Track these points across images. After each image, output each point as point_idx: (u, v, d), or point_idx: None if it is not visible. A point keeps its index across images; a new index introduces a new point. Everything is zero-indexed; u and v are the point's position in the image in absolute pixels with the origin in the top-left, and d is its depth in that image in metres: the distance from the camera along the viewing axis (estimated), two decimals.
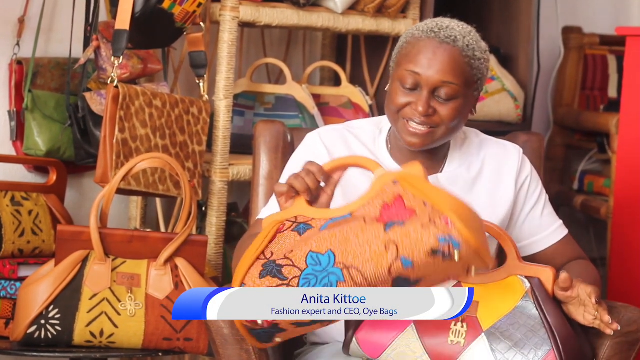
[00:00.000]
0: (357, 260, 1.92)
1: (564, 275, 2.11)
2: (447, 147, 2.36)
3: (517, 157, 2.39)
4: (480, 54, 2.24)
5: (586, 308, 2.13)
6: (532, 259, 2.38)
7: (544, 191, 2.43)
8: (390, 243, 1.90)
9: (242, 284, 1.97)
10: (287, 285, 1.95)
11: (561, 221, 2.44)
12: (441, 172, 2.35)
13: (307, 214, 2.04)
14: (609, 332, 2.12)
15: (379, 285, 1.92)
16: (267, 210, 2.33)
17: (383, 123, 2.38)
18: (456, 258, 1.87)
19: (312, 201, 2.05)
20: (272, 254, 2.00)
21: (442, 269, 1.90)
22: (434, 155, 2.34)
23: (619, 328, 2.12)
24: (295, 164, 2.35)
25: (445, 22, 2.26)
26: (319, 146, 2.33)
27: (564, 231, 2.43)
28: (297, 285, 1.94)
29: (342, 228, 1.97)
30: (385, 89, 2.30)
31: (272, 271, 1.96)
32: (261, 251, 2.00)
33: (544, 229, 2.40)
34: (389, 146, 2.36)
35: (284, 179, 2.35)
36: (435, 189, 1.94)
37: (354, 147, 2.35)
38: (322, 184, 2.06)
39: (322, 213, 2.03)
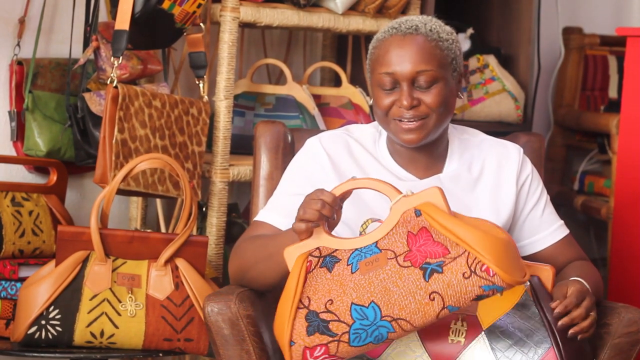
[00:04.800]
0: (404, 311, 1.98)
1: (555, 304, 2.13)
2: (446, 147, 2.36)
3: (517, 156, 2.38)
4: (447, 35, 2.25)
5: None
6: (532, 258, 2.38)
7: (545, 191, 2.42)
8: (435, 294, 1.97)
9: (291, 342, 2.02)
10: (339, 341, 2.00)
11: (562, 221, 2.43)
12: (442, 172, 2.35)
13: (329, 244, 2.06)
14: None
15: (426, 325, 2.00)
16: (266, 212, 2.33)
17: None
18: (499, 295, 1.99)
19: (324, 225, 2.09)
20: (310, 300, 2.03)
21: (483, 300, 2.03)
22: (433, 155, 2.34)
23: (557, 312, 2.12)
24: (296, 170, 2.34)
25: (404, 17, 2.30)
26: (320, 152, 2.33)
27: (565, 231, 2.43)
28: (349, 340, 2.00)
29: (377, 274, 2.00)
30: (370, 102, 2.31)
31: (320, 327, 2.01)
32: (299, 299, 2.03)
33: (545, 228, 2.40)
34: (389, 148, 2.36)
35: (284, 183, 2.34)
36: (462, 224, 1.98)
37: (356, 152, 2.35)
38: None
39: (345, 243, 2.06)
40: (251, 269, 2.24)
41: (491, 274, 1.94)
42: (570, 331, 2.09)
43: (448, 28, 2.28)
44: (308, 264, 2.06)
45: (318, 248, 2.06)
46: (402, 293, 1.98)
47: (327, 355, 2.02)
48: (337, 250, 2.05)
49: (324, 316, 2.02)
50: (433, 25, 2.25)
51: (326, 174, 2.31)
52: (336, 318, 2.01)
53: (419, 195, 2.02)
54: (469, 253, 1.96)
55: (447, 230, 1.98)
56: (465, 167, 2.36)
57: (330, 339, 2.01)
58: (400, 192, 2.04)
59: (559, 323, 2.08)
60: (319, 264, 2.06)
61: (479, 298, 1.96)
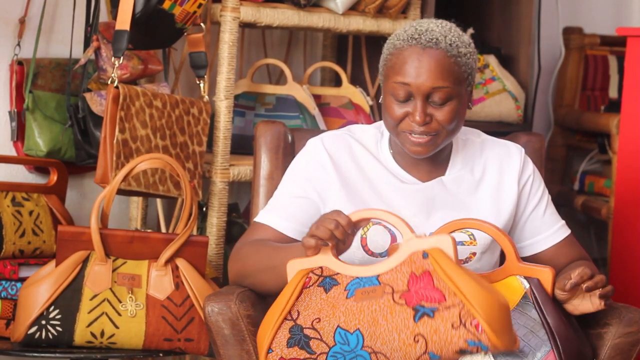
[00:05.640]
0: (386, 347, 1.98)
1: (569, 283, 2.13)
2: (450, 150, 2.36)
3: (519, 157, 2.38)
4: (465, 49, 2.22)
5: (591, 294, 2.15)
6: (533, 259, 2.37)
7: (547, 191, 2.42)
8: (420, 337, 1.96)
9: (269, 349, 2.04)
10: (315, 359, 2.02)
11: (563, 221, 2.43)
12: (445, 175, 2.34)
13: (333, 267, 2.07)
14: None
15: None
16: (267, 213, 2.32)
17: (384, 127, 2.38)
18: (482, 357, 1.97)
19: (335, 246, 2.09)
20: (299, 314, 2.05)
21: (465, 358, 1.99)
22: (436, 158, 2.33)
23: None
24: (298, 171, 2.34)
25: (423, 24, 2.24)
26: (322, 153, 2.32)
27: (567, 231, 2.42)
28: None
29: (370, 304, 2.01)
30: (380, 100, 2.30)
31: (300, 342, 2.03)
32: (288, 311, 2.05)
33: (546, 228, 2.40)
34: (392, 150, 2.35)
35: (286, 184, 2.34)
36: (465, 276, 1.97)
37: (358, 153, 2.34)
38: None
39: (348, 269, 2.06)
40: (252, 275, 2.24)
41: (479, 331, 1.93)
42: (601, 291, 2.11)
43: (466, 39, 2.24)
44: (307, 279, 2.07)
45: (321, 267, 2.07)
46: (389, 328, 1.98)
47: None
48: (338, 274, 2.06)
49: (307, 332, 2.03)
50: (453, 37, 2.21)
51: (328, 175, 2.30)
52: (319, 337, 2.02)
53: (431, 239, 2.02)
54: (463, 305, 1.95)
55: (449, 278, 1.97)
56: (467, 169, 2.36)
57: (308, 355, 2.02)
58: (413, 232, 2.04)
59: (584, 286, 2.10)
60: (318, 282, 2.07)
61: (462, 352, 1.95)
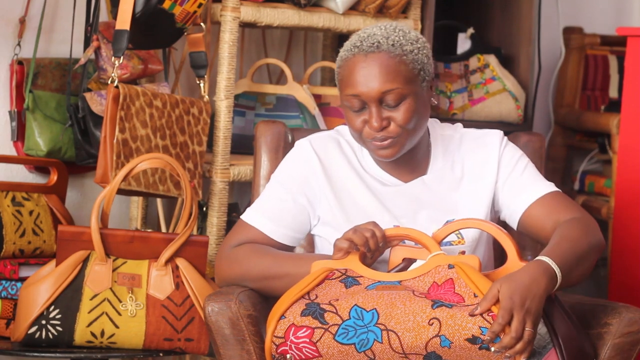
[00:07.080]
0: (400, 326, 2.01)
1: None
2: (428, 147, 2.35)
3: (497, 141, 2.34)
4: (411, 46, 2.20)
5: None
6: (521, 227, 2.29)
7: (525, 159, 2.34)
8: (435, 320, 2.00)
9: (282, 316, 2.07)
10: (326, 330, 2.04)
11: (550, 183, 2.32)
12: (426, 173, 2.34)
13: (357, 270, 2.12)
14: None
15: (412, 356, 2.02)
16: (255, 214, 2.32)
17: None
18: (492, 350, 1.98)
19: (362, 257, 2.13)
20: (317, 296, 2.09)
21: (475, 356, 2.00)
22: (416, 158, 2.32)
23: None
24: (287, 172, 2.34)
25: (367, 31, 2.23)
26: (310, 155, 2.32)
27: (551, 188, 2.30)
28: (335, 333, 2.03)
29: (391, 292, 2.06)
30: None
31: (315, 313, 2.06)
32: (307, 291, 2.10)
33: (525, 188, 2.30)
34: (372, 154, 2.35)
35: (275, 185, 2.34)
36: (488, 282, 2.04)
37: (347, 150, 2.34)
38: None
39: (372, 274, 2.12)
40: (257, 281, 2.25)
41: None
42: (506, 353, 1.99)
43: (413, 35, 2.22)
44: (330, 273, 2.12)
45: (346, 268, 2.12)
46: (405, 311, 2.02)
47: (308, 340, 2.05)
48: (361, 276, 2.11)
49: (324, 306, 2.06)
50: (396, 37, 2.20)
51: (317, 177, 2.31)
52: (334, 310, 2.05)
53: (460, 257, 2.11)
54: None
55: (472, 282, 2.03)
56: (448, 166, 2.34)
57: (320, 325, 2.04)
58: (441, 250, 2.12)
59: (493, 349, 1.99)
60: (340, 278, 2.11)
61: (473, 340, 1.98)
